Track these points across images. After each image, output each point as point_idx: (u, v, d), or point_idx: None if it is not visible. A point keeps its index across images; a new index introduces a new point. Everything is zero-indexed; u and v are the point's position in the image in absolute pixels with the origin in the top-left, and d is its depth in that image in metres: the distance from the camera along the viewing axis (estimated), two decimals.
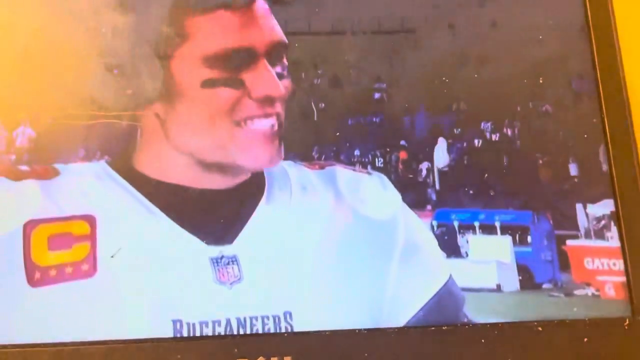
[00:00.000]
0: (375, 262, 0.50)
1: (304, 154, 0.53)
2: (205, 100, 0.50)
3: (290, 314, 0.48)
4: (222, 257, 0.49)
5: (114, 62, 0.53)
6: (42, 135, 0.51)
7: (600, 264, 0.52)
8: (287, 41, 0.53)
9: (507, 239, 0.52)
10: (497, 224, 0.53)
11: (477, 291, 0.51)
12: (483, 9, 0.57)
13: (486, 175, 0.53)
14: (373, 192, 0.53)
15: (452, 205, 0.53)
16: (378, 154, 0.54)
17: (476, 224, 0.53)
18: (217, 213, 0.50)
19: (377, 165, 0.54)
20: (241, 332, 0.48)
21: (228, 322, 0.48)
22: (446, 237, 0.52)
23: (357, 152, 0.54)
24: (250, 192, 0.52)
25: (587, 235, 0.52)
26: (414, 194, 0.53)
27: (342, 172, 0.53)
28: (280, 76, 0.52)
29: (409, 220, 0.52)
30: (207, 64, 0.50)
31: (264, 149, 0.51)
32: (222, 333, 0.47)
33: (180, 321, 0.47)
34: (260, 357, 0.46)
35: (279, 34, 0.53)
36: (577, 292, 0.51)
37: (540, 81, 0.56)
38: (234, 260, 0.49)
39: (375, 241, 0.51)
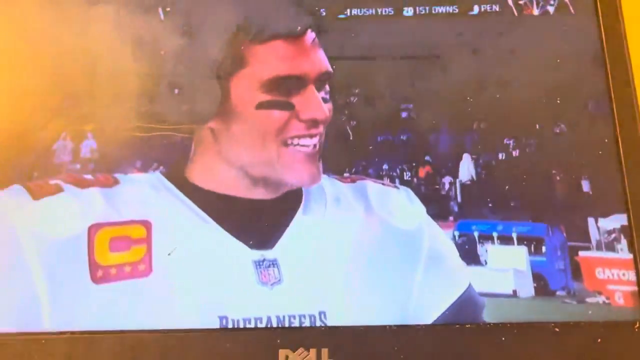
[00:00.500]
0: (401, 269, 0.53)
1: (338, 169, 0.56)
2: (258, 120, 0.53)
3: (325, 314, 0.51)
4: (263, 260, 0.52)
5: (176, 81, 0.56)
6: (103, 146, 0.55)
7: (610, 274, 0.53)
8: (331, 70, 0.56)
9: (523, 249, 0.54)
10: (514, 235, 0.54)
11: (495, 296, 0.52)
12: (504, 37, 0.59)
13: (507, 187, 0.55)
14: (400, 205, 0.55)
15: (473, 217, 0.55)
16: (405, 168, 0.56)
17: (495, 234, 0.54)
18: (260, 221, 0.53)
19: (404, 179, 0.56)
20: None
21: (269, 319, 0.50)
22: (467, 246, 0.54)
23: (385, 167, 0.56)
24: (289, 202, 0.54)
25: (599, 247, 0.54)
26: (438, 206, 0.55)
27: (372, 186, 0.56)
28: (324, 100, 0.55)
29: (433, 230, 0.54)
30: (263, 89, 0.53)
31: (305, 168, 0.54)
32: None
33: (226, 317, 0.50)
34: (300, 348, 0.49)
35: (325, 63, 0.56)
36: (588, 299, 0.53)
37: (558, 102, 0.57)
38: (274, 263, 0.52)
39: (402, 249, 0.54)
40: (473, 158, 0.56)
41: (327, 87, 0.56)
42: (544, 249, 0.54)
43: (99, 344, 0.49)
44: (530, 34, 0.60)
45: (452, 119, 0.57)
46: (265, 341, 0.50)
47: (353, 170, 0.56)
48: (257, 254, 0.52)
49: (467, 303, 0.52)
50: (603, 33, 0.59)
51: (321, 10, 0.60)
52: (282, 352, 0.49)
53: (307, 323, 0.51)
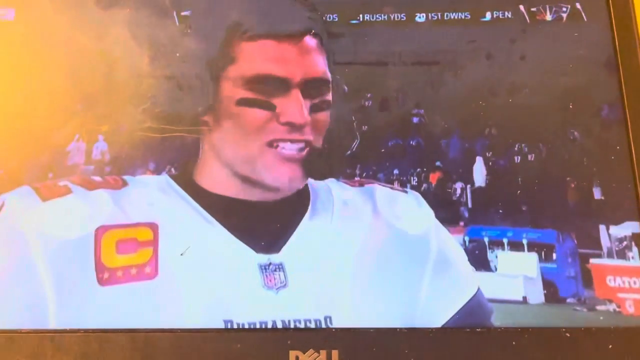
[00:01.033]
0: (409, 273, 0.53)
1: (347, 172, 0.56)
2: (240, 118, 0.53)
3: (330, 318, 0.50)
4: (269, 264, 0.52)
5: (184, 82, 0.57)
6: (116, 148, 0.55)
7: (621, 282, 0.53)
8: (329, 78, 0.56)
9: (534, 255, 0.54)
10: (525, 242, 0.54)
11: (505, 302, 0.52)
12: (516, 43, 0.59)
13: (518, 193, 0.55)
14: (408, 209, 0.55)
15: (483, 222, 0.54)
16: (417, 172, 0.56)
17: (505, 240, 0.54)
18: (266, 224, 0.53)
19: (412, 183, 0.56)
20: None
21: (274, 323, 0.50)
22: (477, 252, 0.54)
23: (396, 172, 0.56)
24: (296, 206, 0.54)
25: (610, 255, 0.53)
26: (448, 212, 0.55)
27: (380, 190, 0.56)
28: (316, 108, 0.55)
29: (441, 235, 0.54)
30: (245, 86, 0.53)
31: (285, 170, 0.53)
32: None
33: (231, 321, 0.50)
34: (310, 350, 0.49)
35: (319, 70, 0.55)
36: (599, 307, 0.52)
37: (570, 107, 0.57)
38: (280, 267, 0.52)
39: (409, 254, 0.53)
40: (485, 162, 0.56)
41: (327, 97, 0.56)
42: (554, 255, 0.54)
43: (113, 342, 0.49)
44: (543, 41, 0.60)
45: (463, 125, 0.57)
46: (275, 342, 0.50)
47: (364, 175, 0.56)
48: (263, 258, 0.52)
49: (475, 309, 0.52)
50: (616, 40, 0.59)
51: (334, 15, 0.60)
52: (292, 354, 0.49)
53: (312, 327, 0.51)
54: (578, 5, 0.61)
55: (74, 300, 0.50)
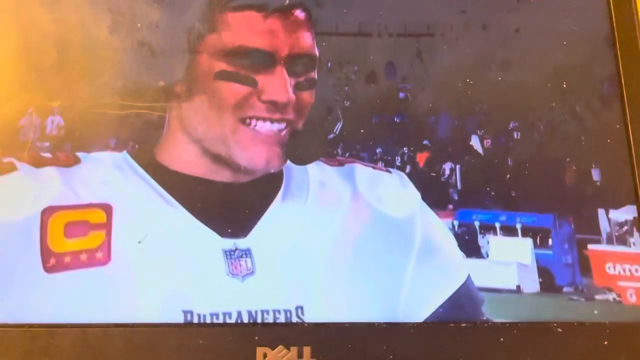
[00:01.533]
0: (391, 260, 0.50)
1: (327, 151, 0.53)
2: (216, 92, 0.51)
3: (302, 309, 0.48)
4: (235, 249, 0.49)
5: (148, 54, 0.53)
6: (71, 123, 0.52)
7: (622, 270, 0.51)
8: (316, 54, 0.54)
9: (528, 241, 0.52)
10: (519, 226, 0.53)
11: (497, 291, 0.51)
12: (510, 14, 0.57)
13: (511, 175, 0.53)
14: (391, 190, 0.53)
15: (474, 205, 0.53)
16: (404, 151, 0.54)
17: (497, 225, 0.52)
18: (233, 207, 0.50)
19: (397, 163, 0.53)
20: None
21: (239, 314, 0.48)
22: (467, 237, 0.52)
23: (379, 150, 0.54)
24: (267, 187, 0.52)
25: (609, 241, 0.52)
26: (436, 194, 0.53)
27: (361, 170, 0.53)
28: (301, 86, 0.52)
29: (427, 219, 0.52)
30: (225, 58, 0.51)
31: (262, 151, 0.51)
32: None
33: (191, 312, 0.47)
34: (280, 346, 0.46)
35: (306, 46, 0.53)
36: (598, 296, 0.51)
37: (564, 86, 0.56)
38: (247, 253, 0.49)
39: (391, 239, 0.51)
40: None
41: (312, 75, 0.53)
42: (550, 241, 0.53)
43: (61, 338, 0.46)
44: (538, 13, 0.58)
45: (453, 101, 0.55)
46: (241, 338, 0.47)
47: (347, 154, 0.53)
48: (229, 243, 0.49)
49: (464, 298, 0.50)
50: (613, 14, 0.58)
51: None
52: (259, 350, 0.47)
53: (282, 319, 0.48)
54: None
55: (17, 290, 0.47)
